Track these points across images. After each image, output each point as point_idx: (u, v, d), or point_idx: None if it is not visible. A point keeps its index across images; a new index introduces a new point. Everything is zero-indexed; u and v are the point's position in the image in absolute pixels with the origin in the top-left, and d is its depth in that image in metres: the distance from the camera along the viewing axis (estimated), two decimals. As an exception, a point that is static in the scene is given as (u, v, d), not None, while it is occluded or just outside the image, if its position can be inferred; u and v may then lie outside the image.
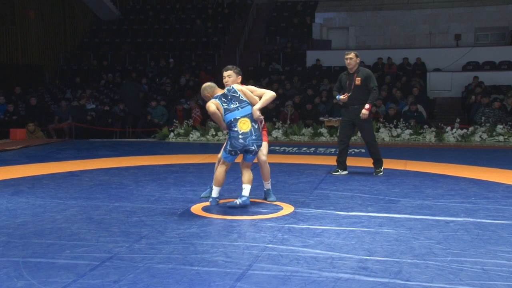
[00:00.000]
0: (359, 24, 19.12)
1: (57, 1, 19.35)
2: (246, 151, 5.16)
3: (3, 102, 13.69)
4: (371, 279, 3.25)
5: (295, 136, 11.47)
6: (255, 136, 5.13)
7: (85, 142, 11.56)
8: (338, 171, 7.13)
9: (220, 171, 5.25)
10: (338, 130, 7.72)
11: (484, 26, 18.05)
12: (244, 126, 5.12)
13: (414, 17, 18.61)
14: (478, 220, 4.65)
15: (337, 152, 7.41)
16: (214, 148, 9.35)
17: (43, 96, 15.77)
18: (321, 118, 12.02)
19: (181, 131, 11.83)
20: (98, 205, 5.26)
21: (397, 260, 3.59)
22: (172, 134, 11.85)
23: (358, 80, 7.00)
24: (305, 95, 14.20)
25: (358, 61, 7.09)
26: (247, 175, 5.22)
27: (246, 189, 5.17)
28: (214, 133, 11.63)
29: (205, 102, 5.42)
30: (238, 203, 5.11)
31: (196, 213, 4.92)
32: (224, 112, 5.15)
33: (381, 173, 7.10)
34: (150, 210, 5.02)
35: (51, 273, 3.35)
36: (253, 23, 20.57)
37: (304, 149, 9.89)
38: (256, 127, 5.18)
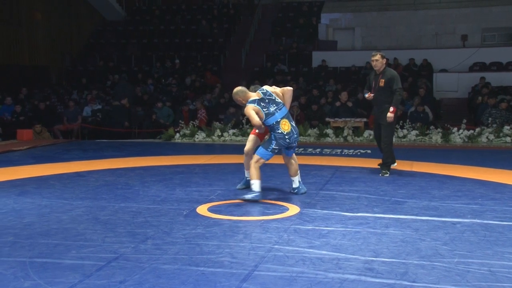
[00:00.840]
0: (365, 25, 19.08)
1: (63, 2, 19.42)
2: (288, 148, 5.64)
3: (10, 103, 13.75)
4: (377, 280, 3.24)
5: (301, 137, 11.45)
6: (296, 134, 5.57)
7: (91, 142, 11.59)
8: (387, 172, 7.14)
9: (257, 167, 5.49)
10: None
11: (491, 26, 17.97)
12: (285, 126, 5.48)
13: (420, 18, 18.56)
14: (485, 221, 4.63)
15: (344, 153, 7.40)
16: (220, 149, 9.36)
17: (50, 97, 15.83)
18: (327, 119, 12.00)
19: (187, 131, 11.83)
20: (104, 205, 5.27)
21: (403, 261, 3.58)
22: (178, 134, 11.86)
23: (382, 82, 7.05)
24: (310, 96, 14.18)
25: (384, 62, 7.11)
26: (293, 168, 5.81)
27: (296, 181, 5.84)
28: (219, 134, 11.63)
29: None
30: (298, 191, 5.77)
31: (202, 214, 4.92)
32: (266, 117, 5.43)
33: (387, 174, 7.10)
34: (156, 211, 5.03)
35: (57, 273, 3.36)
36: (259, 23, 20.56)
37: (310, 150, 9.88)
38: (294, 124, 5.61)
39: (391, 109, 6.96)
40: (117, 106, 13.69)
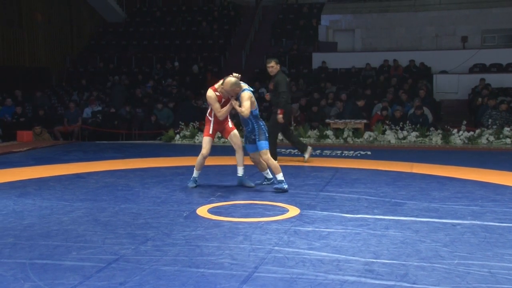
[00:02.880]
0: (365, 26, 19.09)
1: (64, 3, 19.44)
2: (251, 142, 6.21)
3: (10, 104, 13.76)
4: (377, 282, 3.24)
5: (301, 138, 11.45)
6: None
7: (91, 144, 11.59)
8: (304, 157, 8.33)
9: (271, 159, 6.02)
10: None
11: (491, 28, 17.97)
12: None
13: (420, 19, 18.56)
14: (485, 223, 4.63)
15: (344, 154, 7.48)
16: (220, 150, 9.36)
17: (50, 98, 15.84)
18: (327, 120, 12.00)
19: (187, 133, 11.84)
20: (104, 207, 5.27)
21: (404, 263, 3.58)
22: (178, 136, 11.87)
23: (271, 85, 8.11)
24: (311, 97, 14.19)
25: (278, 67, 8.03)
26: (262, 163, 6.20)
27: (270, 173, 6.22)
28: (219, 135, 11.63)
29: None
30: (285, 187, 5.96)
31: (202, 215, 4.92)
32: (255, 107, 6.02)
33: (306, 158, 8.25)
34: (156, 212, 5.03)
35: (57, 275, 3.36)
36: (259, 25, 20.58)
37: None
38: None
39: (279, 111, 7.83)
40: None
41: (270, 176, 6.25)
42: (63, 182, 6.69)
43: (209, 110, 6.16)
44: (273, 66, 7.94)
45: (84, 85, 16.80)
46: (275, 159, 7.66)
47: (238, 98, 5.98)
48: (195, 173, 6.27)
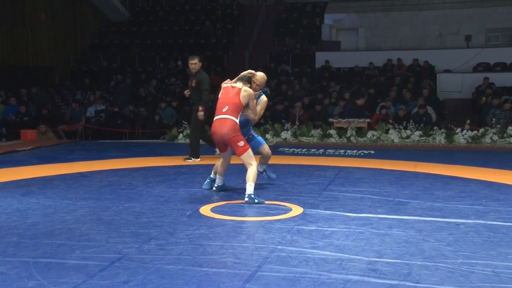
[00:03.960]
0: (369, 25, 19.06)
1: (67, 3, 19.47)
2: None
3: (14, 103, 13.80)
4: (380, 281, 3.24)
5: (304, 137, 11.44)
6: None
7: (94, 143, 11.61)
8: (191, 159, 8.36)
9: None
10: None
11: (495, 27, 17.92)
12: None
13: (424, 18, 18.52)
14: (489, 222, 4.62)
15: (347, 153, 7.42)
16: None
17: (53, 97, 15.87)
18: (330, 119, 11.99)
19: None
20: (108, 206, 5.28)
21: (407, 262, 3.58)
22: (181, 135, 11.87)
23: (193, 82, 8.11)
24: (314, 96, 14.18)
25: (200, 65, 8.15)
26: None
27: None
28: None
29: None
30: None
31: (205, 214, 4.92)
32: None
33: (191, 160, 8.27)
34: (159, 211, 5.04)
35: (61, 273, 3.37)
36: (262, 24, 20.57)
37: (313, 150, 9.87)
38: None
39: (200, 108, 7.99)
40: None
41: (261, 170, 6.23)
42: (66, 181, 6.70)
43: (238, 120, 5.48)
44: (196, 63, 8.03)
45: (87, 84, 16.82)
46: (197, 157, 8.33)
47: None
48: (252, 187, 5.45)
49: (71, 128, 13.49)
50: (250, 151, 5.49)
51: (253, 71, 5.80)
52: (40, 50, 18.24)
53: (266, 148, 6.04)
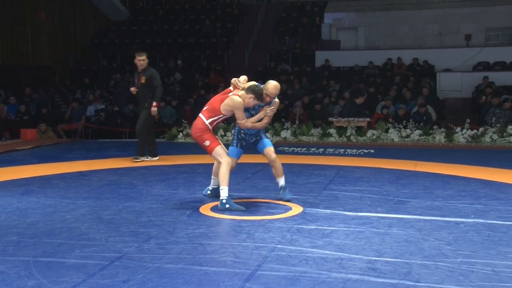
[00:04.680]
0: (369, 24, 19.05)
1: (67, 2, 19.47)
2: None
3: (14, 103, 13.80)
4: (380, 280, 3.24)
5: (304, 137, 11.45)
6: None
7: (94, 142, 11.61)
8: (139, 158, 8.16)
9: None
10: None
11: (495, 26, 17.91)
12: None
13: (424, 17, 18.51)
14: (489, 221, 4.62)
15: (347, 153, 7.42)
16: (223, 149, 9.34)
17: (53, 96, 15.87)
18: (330, 119, 11.99)
19: (190, 131, 11.84)
20: (108, 205, 5.28)
21: (407, 261, 3.58)
22: (181, 134, 11.87)
23: (143, 79, 8.00)
24: (314, 96, 14.18)
25: (147, 61, 8.10)
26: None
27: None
28: (222, 134, 11.64)
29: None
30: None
31: (205, 213, 4.92)
32: None
33: (139, 160, 8.07)
34: (159, 210, 5.04)
35: (61, 273, 3.37)
36: (262, 23, 20.56)
37: (313, 149, 9.87)
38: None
39: (154, 103, 7.95)
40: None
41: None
42: (66, 180, 6.70)
43: (210, 120, 5.13)
44: (144, 60, 7.97)
45: (87, 83, 16.82)
46: (155, 155, 8.24)
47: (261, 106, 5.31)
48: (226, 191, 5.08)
49: (71, 127, 13.49)
50: (218, 148, 5.09)
51: (238, 81, 5.23)
52: (40, 49, 18.23)
53: (269, 152, 5.33)
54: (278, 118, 12.20)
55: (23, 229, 4.39)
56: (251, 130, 5.33)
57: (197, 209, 5.09)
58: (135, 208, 5.14)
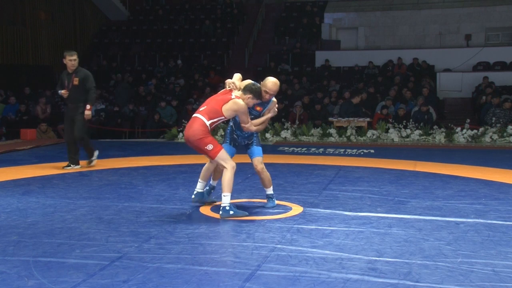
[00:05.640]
0: (369, 25, 19.05)
1: (67, 2, 19.47)
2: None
3: (14, 103, 13.79)
4: (380, 280, 3.24)
5: (304, 137, 11.45)
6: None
7: (94, 142, 11.59)
8: (70, 166, 7.59)
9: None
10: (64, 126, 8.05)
11: (495, 26, 17.90)
12: None
13: (424, 17, 18.51)
14: (489, 221, 4.62)
15: (347, 153, 7.39)
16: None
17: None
18: (330, 119, 11.99)
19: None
20: (108, 205, 5.28)
21: (407, 261, 3.58)
22: (181, 134, 11.88)
23: (76, 80, 7.49)
24: (314, 96, 14.18)
25: (78, 61, 7.61)
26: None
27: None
28: (222, 134, 11.64)
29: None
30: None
31: (205, 214, 4.92)
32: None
33: (70, 167, 7.52)
34: (159, 210, 5.04)
35: (61, 273, 3.37)
36: (262, 23, 20.56)
37: (313, 149, 9.87)
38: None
39: (88, 106, 7.49)
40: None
41: (214, 184, 5.36)
42: (66, 180, 6.70)
43: (211, 121, 4.81)
44: (76, 60, 7.52)
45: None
46: (91, 156, 7.77)
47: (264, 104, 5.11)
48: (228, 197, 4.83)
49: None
50: (222, 153, 4.79)
51: (233, 83, 4.98)
52: (40, 49, 18.23)
53: (256, 162, 5.04)
54: (278, 118, 12.20)
55: (23, 229, 4.39)
56: (244, 133, 5.08)
57: (197, 209, 5.09)
58: (135, 208, 5.14)
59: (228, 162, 4.79)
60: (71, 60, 7.50)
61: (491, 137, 10.84)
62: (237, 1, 21.16)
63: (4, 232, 4.32)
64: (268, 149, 10.10)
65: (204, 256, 3.68)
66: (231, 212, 4.73)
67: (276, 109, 5.22)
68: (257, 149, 5.11)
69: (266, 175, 5.09)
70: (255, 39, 19.56)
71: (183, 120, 12.33)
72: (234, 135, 5.19)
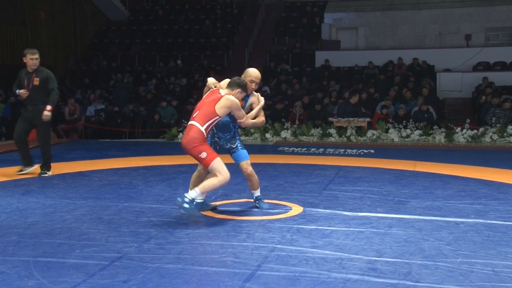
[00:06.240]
0: (369, 25, 19.05)
1: (67, 2, 19.47)
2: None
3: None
4: (380, 280, 3.24)
5: (304, 137, 11.45)
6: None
7: (94, 142, 11.61)
8: (24, 169, 7.15)
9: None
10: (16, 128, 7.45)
11: (495, 26, 17.91)
12: None
13: (424, 17, 18.52)
14: (489, 221, 4.62)
15: (347, 153, 7.39)
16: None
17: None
18: (330, 119, 11.99)
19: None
20: (108, 205, 5.28)
21: (407, 261, 3.58)
22: (181, 134, 11.88)
23: (36, 80, 7.15)
24: (314, 96, 14.18)
25: (39, 60, 7.25)
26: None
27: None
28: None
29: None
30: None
31: (205, 214, 4.92)
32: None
33: (47, 174, 7.06)
34: (159, 210, 5.04)
35: (61, 273, 3.37)
36: (262, 23, 20.57)
37: (313, 149, 9.87)
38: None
39: (48, 107, 6.99)
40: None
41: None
42: (66, 180, 6.70)
43: (206, 125, 4.68)
44: (38, 59, 7.22)
45: (87, 83, 16.82)
46: (29, 165, 7.20)
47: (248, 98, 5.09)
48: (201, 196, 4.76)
49: (73, 126, 13.49)
50: (217, 161, 4.60)
51: (217, 83, 4.96)
52: (40, 49, 18.17)
53: (244, 165, 4.95)
54: (278, 118, 12.20)
55: (23, 229, 4.39)
56: (225, 134, 5.01)
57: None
58: (135, 208, 5.14)
59: (222, 173, 4.59)
60: (33, 58, 7.21)
61: (491, 137, 10.84)
62: (237, 0, 21.17)
63: (4, 232, 4.32)
64: (268, 149, 10.11)
65: (204, 256, 3.68)
66: (187, 206, 4.49)
67: (261, 98, 5.13)
68: (242, 152, 5.01)
69: (255, 177, 5.02)
70: (255, 39, 19.57)
71: (183, 120, 12.34)
72: (215, 138, 5.07)
